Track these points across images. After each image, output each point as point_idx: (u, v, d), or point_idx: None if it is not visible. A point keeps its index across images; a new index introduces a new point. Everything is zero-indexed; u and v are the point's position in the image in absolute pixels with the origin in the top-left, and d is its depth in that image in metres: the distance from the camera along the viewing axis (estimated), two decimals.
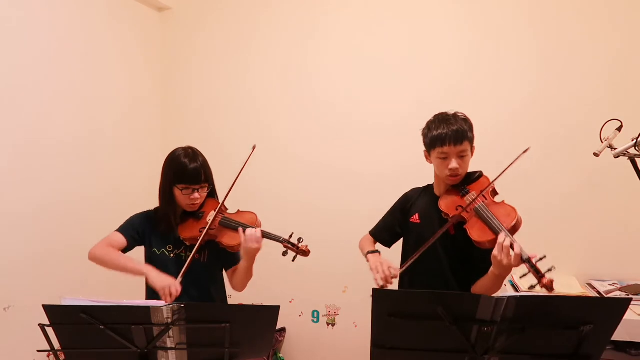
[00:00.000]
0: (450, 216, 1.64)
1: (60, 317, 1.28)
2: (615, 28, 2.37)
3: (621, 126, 1.53)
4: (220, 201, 1.83)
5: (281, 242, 1.74)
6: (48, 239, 2.36)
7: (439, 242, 1.64)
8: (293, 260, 1.76)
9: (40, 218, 2.33)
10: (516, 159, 1.59)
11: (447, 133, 1.62)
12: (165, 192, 1.81)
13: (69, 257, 2.44)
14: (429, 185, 1.87)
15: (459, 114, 1.70)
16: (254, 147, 1.81)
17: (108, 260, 1.74)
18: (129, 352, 1.31)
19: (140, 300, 1.45)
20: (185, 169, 1.74)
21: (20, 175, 2.23)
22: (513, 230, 1.51)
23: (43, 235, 2.34)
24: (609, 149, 1.50)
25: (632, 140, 1.42)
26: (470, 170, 1.72)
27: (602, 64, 2.39)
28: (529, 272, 1.39)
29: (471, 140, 1.67)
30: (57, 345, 1.31)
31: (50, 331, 1.27)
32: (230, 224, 1.79)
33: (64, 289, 2.39)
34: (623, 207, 2.38)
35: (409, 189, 1.94)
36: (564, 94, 2.45)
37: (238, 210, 1.89)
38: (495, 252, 1.43)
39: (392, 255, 1.84)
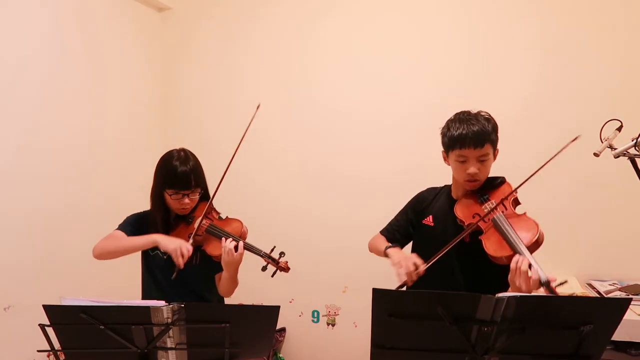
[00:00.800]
0: (466, 224, 1.55)
1: (60, 317, 1.28)
2: (616, 28, 2.37)
3: (621, 126, 1.52)
4: (212, 206, 1.80)
5: (262, 256, 1.71)
6: (48, 239, 2.36)
7: (452, 249, 1.56)
8: (272, 276, 1.73)
9: (40, 218, 2.32)
10: (542, 167, 1.45)
11: (467, 134, 1.50)
12: (156, 195, 1.80)
13: (69, 257, 2.44)
14: (446, 186, 1.78)
15: (483, 113, 1.58)
16: (258, 106, 1.71)
17: (114, 248, 1.73)
18: (129, 352, 1.31)
19: (140, 300, 1.45)
20: (175, 174, 1.71)
21: (20, 175, 2.23)
22: (534, 246, 1.42)
23: (43, 235, 2.33)
24: (609, 149, 1.49)
25: (632, 140, 1.42)
26: (492, 174, 1.62)
27: (602, 63, 2.39)
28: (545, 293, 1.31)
29: (494, 143, 1.56)
30: (57, 345, 1.31)
31: (50, 331, 1.27)
32: (215, 232, 1.76)
33: (64, 289, 2.39)
34: (623, 207, 2.38)
35: (411, 189, 1.89)
36: (564, 94, 2.45)
37: (227, 217, 1.86)
38: (511, 275, 1.36)
39: None
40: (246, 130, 1.72)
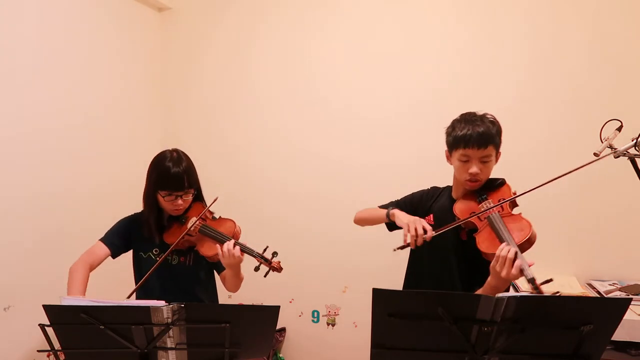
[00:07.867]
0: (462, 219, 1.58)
1: (60, 317, 1.28)
2: (616, 27, 2.37)
3: (621, 126, 1.52)
4: (206, 208, 1.81)
5: (254, 256, 1.71)
6: (48, 239, 2.35)
7: (450, 247, 1.58)
8: (265, 276, 1.73)
9: (41, 218, 2.32)
10: (550, 180, 1.50)
11: (472, 135, 1.53)
12: (149, 197, 1.79)
13: (69, 257, 2.44)
14: (448, 186, 1.80)
15: (488, 115, 1.60)
16: (215, 199, 1.78)
17: (68, 284, 1.75)
18: (129, 352, 1.31)
19: (140, 300, 1.44)
20: (168, 175, 1.71)
21: (21, 175, 2.23)
22: (526, 244, 1.45)
23: (43, 235, 2.33)
24: (609, 149, 1.50)
25: (632, 140, 1.42)
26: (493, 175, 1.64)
27: (602, 63, 2.39)
28: (532, 292, 1.33)
29: (497, 145, 1.58)
30: (57, 345, 1.31)
31: (50, 331, 1.27)
32: (208, 233, 1.76)
33: (64, 289, 2.39)
34: (623, 207, 2.38)
35: (412, 186, 1.90)
36: (564, 94, 2.45)
37: (220, 217, 1.87)
38: (493, 262, 1.38)
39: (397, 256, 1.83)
40: (210, 205, 1.79)
